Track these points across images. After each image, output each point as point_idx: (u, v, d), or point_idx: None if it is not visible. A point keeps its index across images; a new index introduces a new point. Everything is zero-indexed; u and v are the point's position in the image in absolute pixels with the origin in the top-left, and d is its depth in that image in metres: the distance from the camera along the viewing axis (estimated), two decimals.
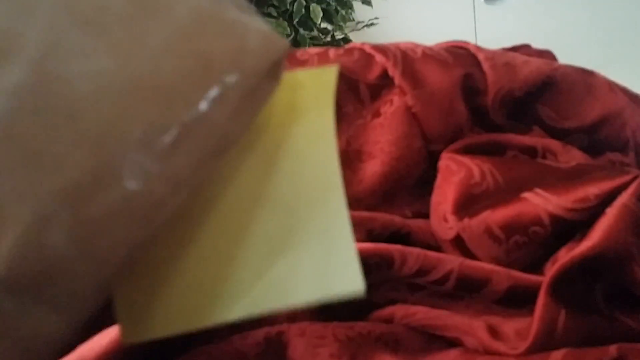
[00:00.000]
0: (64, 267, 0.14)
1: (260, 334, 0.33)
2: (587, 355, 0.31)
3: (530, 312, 0.34)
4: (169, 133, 0.16)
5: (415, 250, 0.37)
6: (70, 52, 0.14)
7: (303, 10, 1.64)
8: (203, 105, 0.17)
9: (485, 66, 0.49)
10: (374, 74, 0.51)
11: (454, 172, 0.44)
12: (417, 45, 0.52)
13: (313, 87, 0.23)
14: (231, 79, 0.18)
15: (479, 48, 0.52)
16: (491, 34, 2.21)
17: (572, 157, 0.47)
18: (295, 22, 1.65)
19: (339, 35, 1.84)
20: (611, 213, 0.36)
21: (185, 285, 0.20)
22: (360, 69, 0.51)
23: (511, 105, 0.49)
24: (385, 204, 0.47)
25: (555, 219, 0.39)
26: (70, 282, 0.14)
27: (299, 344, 0.32)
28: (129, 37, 0.15)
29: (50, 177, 0.13)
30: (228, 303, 0.20)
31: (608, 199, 0.38)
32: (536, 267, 0.40)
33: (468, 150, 0.47)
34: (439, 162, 0.48)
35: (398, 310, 0.37)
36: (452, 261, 0.37)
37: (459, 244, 0.42)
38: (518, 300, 0.37)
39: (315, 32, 1.72)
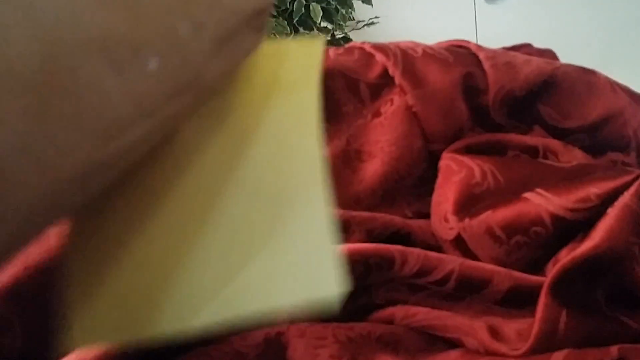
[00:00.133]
0: (9, 172, 0.12)
1: (259, 334, 0.32)
2: (588, 356, 0.31)
3: (532, 312, 0.34)
4: (137, 47, 0.15)
5: (416, 251, 0.37)
6: None
7: (303, 9, 1.64)
8: (180, 30, 0.16)
9: (486, 65, 0.49)
10: (374, 73, 0.51)
11: (455, 172, 0.44)
12: (417, 45, 0.52)
13: (297, 61, 0.21)
14: (210, 12, 0.17)
15: (479, 47, 0.52)
16: (492, 33, 2.20)
17: (573, 156, 0.46)
18: (295, 21, 1.65)
19: (339, 35, 1.84)
20: (613, 213, 0.36)
21: (139, 285, 0.17)
22: (360, 69, 0.51)
23: (512, 105, 0.49)
24: (385, 204, 0.47)
25: (556, 219, 0.39)
26: (13, 191, 0.12)
27: (298, 345, 0.32)
28: None
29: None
30: (189, 308, 0.17)
31: (609, 199, 0.38)
32: (537, 267, 0.40)
33: (469, 150, 0.47)
34: (439, 162, 0.48)
35: (398, 311, 0.37)
36: (452, 261, 0.37)
37: (460, 245, 0.42)
38: (519, 300, 0.37)
39: (315, 31, 1.72)
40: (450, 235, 0.42)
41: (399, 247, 0.37)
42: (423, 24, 2.22)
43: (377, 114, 0.50)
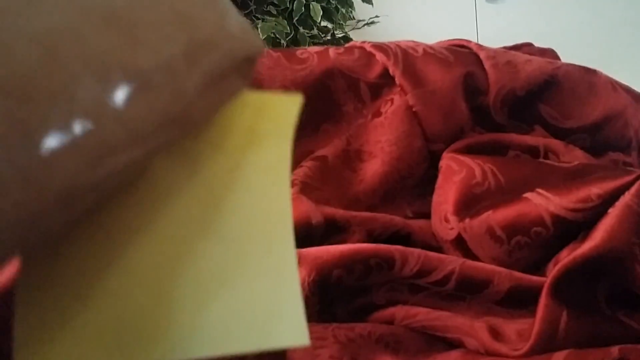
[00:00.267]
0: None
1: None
2: (589, 356, 0.31)
3: (532, 313, 0.34)
4: (133, 73, 0.15)
5: (416, 251, 0.37)
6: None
7: (303, 8, 1.64)
8: (175, 63, 0.16)
9: (487, 65, 0.49)
10: (374, 72, 0.51)
11: (455, 172, 0.44)
12: (418, 44, 0.52)
13: (275, 114, 0.22)
14: (206, 51, 0.17)
15: (480, 47, 0.51)
16: (493, 32, 2.20)
17: (574, 156, 0.46)
18: (295, 20, 1.65)
19: (339, 34, 1.84)
20: (613, 213, 0.36)
21: (103, 318, 0.18)
22: (360, 68, 0.51)
23: (513, 105, 0.49)
24: (386, 204, 0.47)
25: (557, 219, 0.38)
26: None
27: None
28: None
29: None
30: (147, 343, 0.17)
31: (610, 199, 0.37)
32: (538, 267, 0.40)
33: (469, 150, 0.47)
34: (440, 161, 0.48)
35: (399, 312, 0.37)
36: (453, 262, 0.37)
37: (460, 245, 0.42)
38: (520, 301, 0.37)
39: (315, 31, 1.72)
40: (451, 235, 0.42)
41: (399, 247, 0.37)
42: (423, 23, 2.22)
43: (377, 113, 0.50)
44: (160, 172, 0.20)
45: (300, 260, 0.37)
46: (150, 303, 0.18)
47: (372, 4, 1.88)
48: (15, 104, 0.13)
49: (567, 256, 0.36)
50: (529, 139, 0.48)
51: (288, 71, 0.49)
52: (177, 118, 0.17)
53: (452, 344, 0.35)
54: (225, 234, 0.19)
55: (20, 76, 0.13)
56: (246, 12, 1.59)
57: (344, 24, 1.85)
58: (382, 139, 0.49)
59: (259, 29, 1.53)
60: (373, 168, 0.48)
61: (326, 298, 0.36)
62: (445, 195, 0.44)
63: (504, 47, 0.57)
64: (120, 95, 0.15)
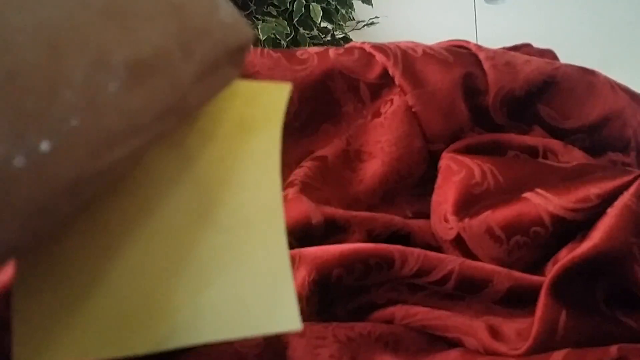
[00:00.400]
0: (7, 178, 0.13)
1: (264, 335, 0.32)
2: (588, 356, 0.31)
3: (531, 312, 0.34)
4: (134, 65, 0.15)
5: (416, 251, 0.37)
6: None
7: (303, 9, 1.64)
8: (173, 54, 0.16)
9: (486, 66, 0.49)
10: (374, 73, 0.51)
11: (455, 172, 0.44)
12: (417, 45, 0.52)
13: (264, 103, 0.22)
14: (201, 41, 0.17)
15: (479, 47, 0.52)
16: (492, 33, 2.20)
17: (573, 157, 0.46)
18: (295, 21, 1.65)
19: (339, 35, 1.84)
20: (612, 213, 0.36)
21: (101, 310, 0.18)
22: (360, 69, 0.51)
23: (512, 105, 0.49)
24: (385, 204, 0.47)
25: (556, 219, 0.39)
26: (12, 194, 0.13)
27: (298, 345, 0.32)
28: None
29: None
30: (147, 332, 0.18)
31: (609, 199, 0.38)
32: (537, 267, 0.40)
33: (469, 150, 0.47)
34: (439, 162, 0.48)
35: (398, 311, 0.37)
36: (452, 261, 0.37)
37: (460, 244, 0.42)
38: (519, 300, 0.37)
39: (315, 32, 1.72)
40: (450, 235, 0.43)
41: (398, 247, 0.37)
42: (423, 24, 2.22)
43: (377, 114, 0.50)
44: (154, 162, 0.20)
45: (300, 260, 0.37)
46: (147, 293, 0.19)
47: (371, 4, 1.88)
48: (21, 96, 0.13)
49: (566, 256, 0.36)
50: (528, 139, 0.48)
51: (288, 72, 0.49)
52: (173, 107, 0.17)
53: (452, 344, 0.35)
54: (219, 222, 0.20)
55: (25, 69, 0.13)
56: (246, 12, 1.59)
57: (343, 24, 1.85)
58: (381, 139, 0.49)
59: (259, 30, 1.53)
60: (373, 168, 0.48)
61: (326, 297, 0.37)
62: (445, 195, 0.44)
63: (503, 48, 0.57)
64: (119, 85, 0.15)
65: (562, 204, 0.39)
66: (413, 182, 0.49)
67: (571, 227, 0.39)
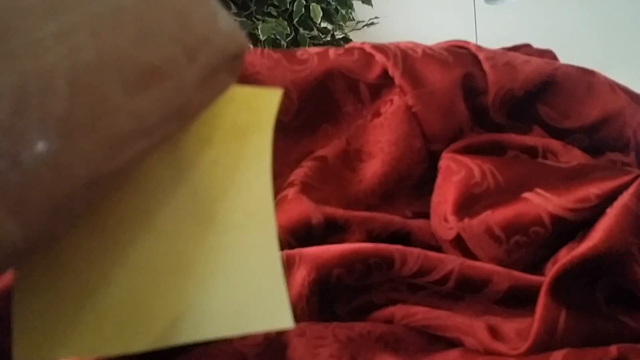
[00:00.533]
0: (33, 175, 0.13)
1: (260, 334, 0.32)
2: (587, 356, 0.31)
3: (531, 312, 0.34)
4: (145, 70, 0.16)
5: (416, 251, 0.37)
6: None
7: (303, 9, 1.64)
8: (179, 59, 0.17)
9: (486, 66, 0.49)
10: (374, 73, 0.51)
11: (455, 172, 0.44)
12: (417, 45, 0.52)
13: (256, 107, 0.23)
14: (204, 47, 0.18)
15: (479, 47, 0.52)
16: (492, 33, 2.20)
17: (572, 157, 0.47)
18: (295, 21, 1.65)
19: (339, 35, 1.84)
20: (612, 213, 0.36)
21: (102, 309, 0.18)
22: (360, 69, 0.51)
23: (512, 105, 0.49)
24: (385, 204, 0.47)
25: (555, 219, 0.39)
26: (36, 192, 0.14)
27: (298, 345, 0.32)
28: None
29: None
30: (145, 330, 0.18)
31: (609, 199, 0.38)
32: (537, 267, 0.40)
33: (468, 150, 0.47)
34: (439, 162, 0.48)
35: (398, 311, 0.37)
36: (452, 261, 0.37)
37: (460, 244, 0.42)
38: (518, 300, 0.37)
39: (315, 32, 1.72)
40: (450, 235, 0.43)
41: (398, 247, 0.37)
42: (423, 24, 2.22)
43: (377, 114, 0.50)
44: (153, 165, 0.20)
45: (300, 260, 0.37)
46: (145, 291, 0.19)
47: (371, 5, 1.89)
48: (41, 98, 0.14)
49: (565, 256, 0.36)
50: (527, 139, 0.48)
51: (288, 72, 0.49)
52: (177, 111, 0.18)
53: (452, 343, 0.35)
54: (214, 224, 0.20)
55: (46, 71, 0.14)
56: (246, 13, 1.59)
57: (343, 25, 1.85)
58: (381, 140, 0.49)
59: (260, 30, 1.54)
60: (373, 168, 0.48)
61: (326, 297, 0.37)
62: (445, 195, 0.44)
63: (503, 48, 0.57)
64: (132, 88, 0.16)
65: (562, 204, 0.39)
66: (413, 182, 0.49)
67: (571, 227, 0.39)
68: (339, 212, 0.42)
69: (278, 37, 1.58)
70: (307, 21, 1.68)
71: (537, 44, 0.60)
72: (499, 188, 0.43)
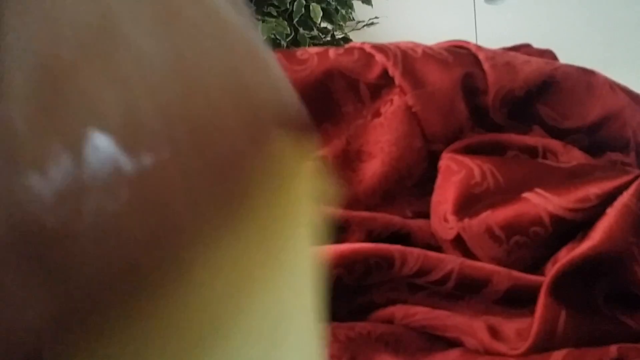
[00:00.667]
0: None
1: None
2: (587, 355, 0.31)
3: (531, 312, 0.34)
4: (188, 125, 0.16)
5: (416, 251, 0.37)
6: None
7: (303, 9, 1.64)
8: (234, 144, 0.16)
9: (486, 66, 0.49)
10: (374, 73, 0.51)
11: (455, 172, 0.44)
12: (417, 45, 0.52)
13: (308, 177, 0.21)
14: (266, 122, 0.17)
15: (479, 47, 0.52)
16: (492, 33, 2.20)
17: (572, 157, 0.47)
18: (295, 21, 1.65)
19: (339, 35, 1.84)
20: (612, 213, 0.36)
21: None
22: (360, 69, 0.51)
23: (512, 105, 0.49)
24: (385, 204, 0.47)
25: (555, 219, 0.39)
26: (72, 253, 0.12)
27: None
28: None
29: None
30: None
31: (609, 199, 0.38)
32: (537, 267, 0.40)
33: (468, 150, 0.47)
34: (439, 162, 0.48)
35: (398, 311, 0.37)
36: (452, 261, 0.37)
37: (460, 244, 0.42)
38: (518, 300, 0.37)
39: (315, 32, 1.72)
40: (450, 235, 0.43)
41: (398, 247, 0.37)
42: (423, 25, 2.22)
43: (377, 114, 0.50)
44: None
45: None
46: None
47: (371, 5, 1.89)
48: (63, 119, 0.13)
49: (565, 256, 0.36)
50: (527, 139, 0.48)
51: (288, 72, 0.49)
52: (230, 174, 0.17)
53: (452, 343, 0.35)
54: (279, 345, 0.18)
55: (79, 92, 0.13)
56: None
57: (343, 25, 1.85)
58: (381, 139, 0.49)
59: (259, 30, 1.54)
60: (373, 168, 0.48)
61: (326, 297, 0.37)
62: (445, 195, 0.44)
63: (503, 48, 0.57)
64: (176, 138, 0.15)
65: (562, 204, 0.39)
66: (413, 182, 0.49)
67: (571, 227, 0.39)
68: (338, 212, 0.42)
69: (278, 37, 1.58)
70: (307, 21, 1.68)
71: (537, 44, 0.60)
72: (499, 188, 0.43)
